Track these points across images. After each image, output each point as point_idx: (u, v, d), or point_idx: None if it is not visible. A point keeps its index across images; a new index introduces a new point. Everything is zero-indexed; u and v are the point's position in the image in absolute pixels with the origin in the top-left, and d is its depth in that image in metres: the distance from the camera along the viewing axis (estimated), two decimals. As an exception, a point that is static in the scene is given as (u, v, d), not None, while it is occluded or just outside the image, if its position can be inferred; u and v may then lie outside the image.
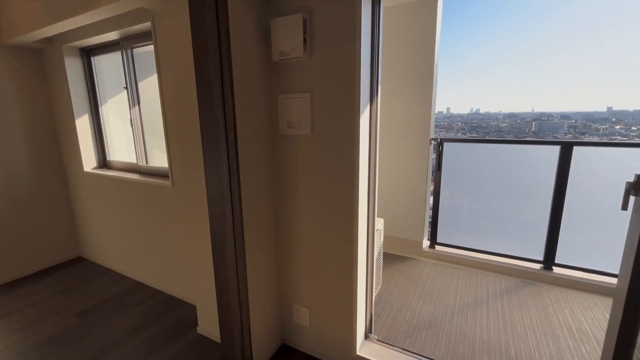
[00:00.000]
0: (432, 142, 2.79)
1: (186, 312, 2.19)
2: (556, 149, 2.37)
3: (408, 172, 2.87)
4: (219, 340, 1.87)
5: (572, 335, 1.84)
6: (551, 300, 2.18)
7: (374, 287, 1.74)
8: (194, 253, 1.83)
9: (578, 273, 2.40)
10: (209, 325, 1.92)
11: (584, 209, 2.42)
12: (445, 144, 2.76)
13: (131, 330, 2.04)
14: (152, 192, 2.31)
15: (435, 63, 2.64)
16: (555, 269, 2.47)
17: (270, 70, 1.51)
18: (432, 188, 2.93)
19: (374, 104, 1.47)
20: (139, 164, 2.54)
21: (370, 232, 1.61)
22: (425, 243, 2.97)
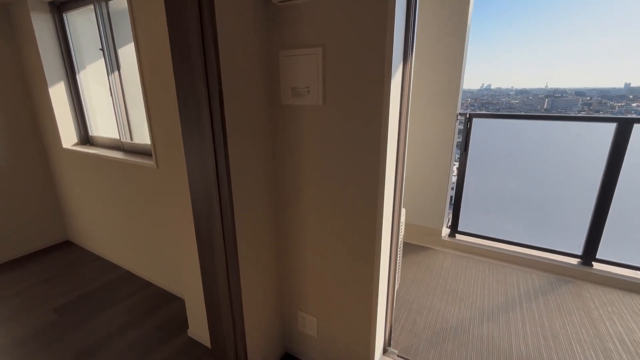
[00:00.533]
0: (459, 117, 2.42)
1: (178, 309, 1.95)
2: (610, 127, 2.00)
3: (429, 151, 2.52)
4: (209, 345, 1.63)
5: (626, 349, 1.56)
6: (594, 303, 1.90)
7: (395, 292, 1.46)
8: (180, 244, 1.55)
9: (623, 270, 2.10)
10: (200, 328, 1.67)
11: (634, 197, 2.09)
12: (474, 120, 2.39)
13: (116, 329, 1.81)
14: (136, 173, 2.01)
15: (468, 24, 2.22)
16: (596, 265, 2.17)
17: (269, 17, 1.14)
18: (455, 170, 2.59)
19: (408, 66, 1.11)
20: (122, 140, 2.22)
21: (395, 228, 1.31)
22: (445, 231, 2.67)
